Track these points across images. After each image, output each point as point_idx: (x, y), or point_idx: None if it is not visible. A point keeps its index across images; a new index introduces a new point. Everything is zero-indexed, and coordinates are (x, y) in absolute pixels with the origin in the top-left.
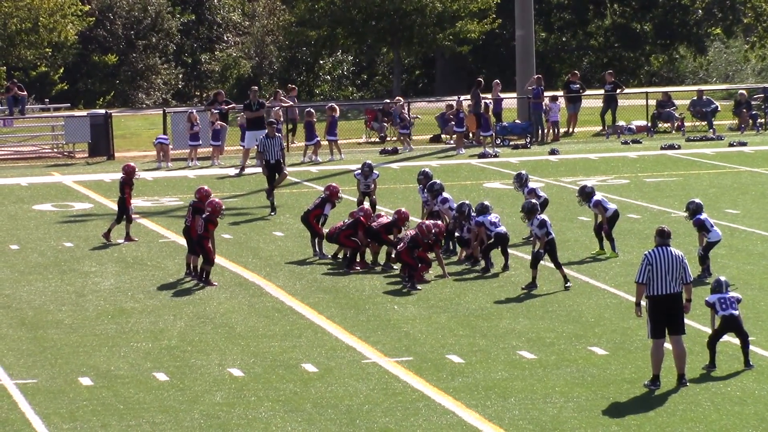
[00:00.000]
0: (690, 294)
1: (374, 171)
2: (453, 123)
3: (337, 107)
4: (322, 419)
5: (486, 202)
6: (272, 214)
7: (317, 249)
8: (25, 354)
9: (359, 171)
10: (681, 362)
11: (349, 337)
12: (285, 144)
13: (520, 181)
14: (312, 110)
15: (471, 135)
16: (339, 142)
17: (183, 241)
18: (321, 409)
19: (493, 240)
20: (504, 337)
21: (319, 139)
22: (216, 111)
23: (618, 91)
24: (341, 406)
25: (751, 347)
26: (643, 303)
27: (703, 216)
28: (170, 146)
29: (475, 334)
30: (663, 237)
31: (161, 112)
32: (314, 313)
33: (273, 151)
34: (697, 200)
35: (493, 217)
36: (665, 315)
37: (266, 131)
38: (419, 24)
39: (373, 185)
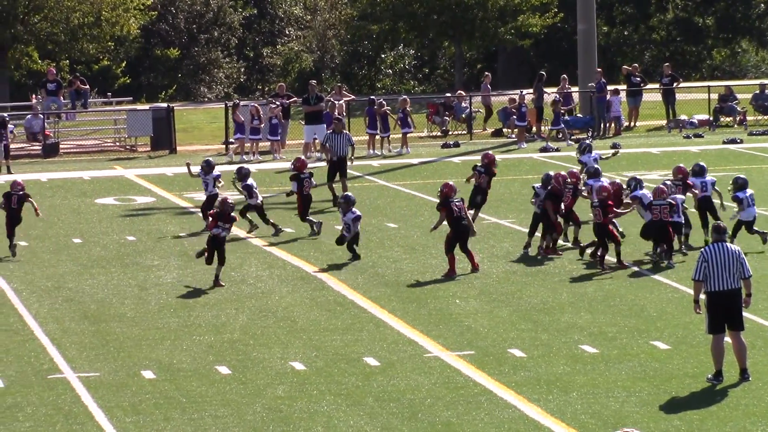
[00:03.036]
0: (750, 289)
1: None
2: (515, 117)
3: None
4: (384, 413)
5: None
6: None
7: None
8: (88, 347)
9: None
10: (742, 357)
11: (410, 330)
12: (353, 140)
13: (581, 148)
14: (384, 101)
15: (533, 129)
16: (400, 135)
17: (245, 235)
18: (383, 403)
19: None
20: (566, 331)
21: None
22: (275, 105)
23: (675, 84)
24: (403, 400)
25: None
26: (703, 298)
27: (745, 193)
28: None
29: (536, 329)
30: (719, 233)
31: (223, 105)
32: (376, 307)
33: (339, 147)
34: (743, 177)
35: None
36: (723, 310)
37: (332, 127)
38: (481, 18)
39: None
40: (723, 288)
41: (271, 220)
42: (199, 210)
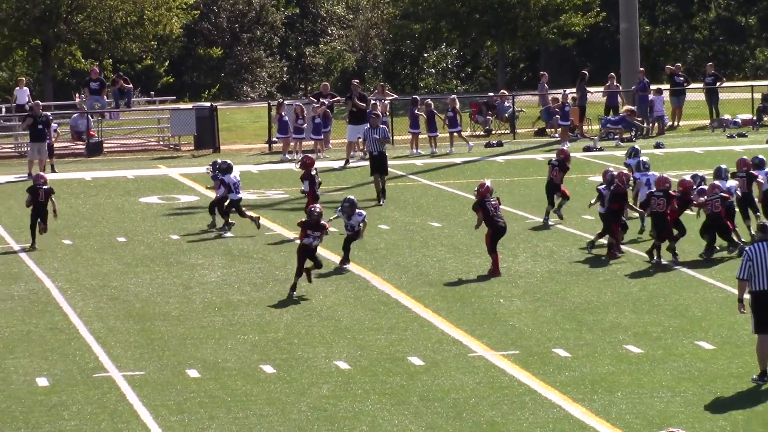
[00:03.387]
0: None
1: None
2: (558, 116)
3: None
4: (428, 412)
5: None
6: (382, 200)
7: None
8: (133, 346)
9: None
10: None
11: (455, 330)
12: (390, 136)
13: (629, 153)
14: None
15: (575, 128)
16: (444, 134)
17: (289, 234)
18: (427, 403)
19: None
20: (610, 331)
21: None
22: (318, 105)
23: (718, 83)
24: (448, 400)
25: None
26: (748, 297)
27: None
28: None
29: (581, 328)
30: (765, 232)
31: (266, 105)
32: (420, 306)
33: (376, 143)
34: None
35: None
36: (763, 310)
37: (369, 123)
38: (523, 17)
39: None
40: (763, 288)
41: (249, 213)
42: (243, 207)
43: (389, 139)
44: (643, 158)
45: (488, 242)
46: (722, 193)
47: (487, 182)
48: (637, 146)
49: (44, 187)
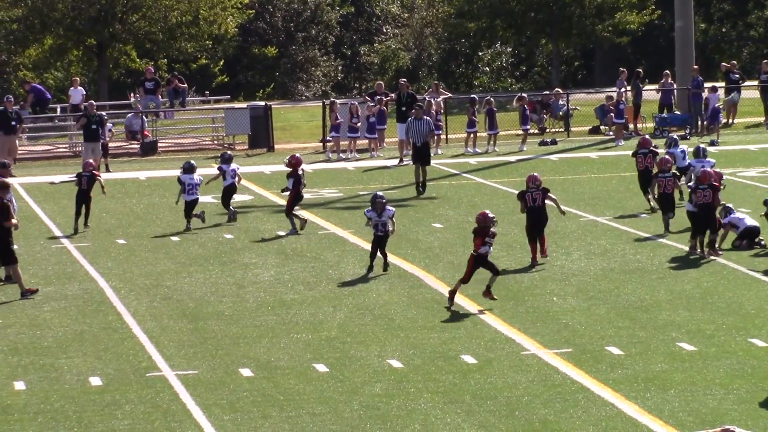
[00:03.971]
0: None
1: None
2: (612, 114)
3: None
4: (481, 411)
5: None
6: (421, 191)
7: None
8: (186, 345)
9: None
10: None
11: (508, 328)
12: (433, 128)
13: (667, 142)
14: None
15: (630, 126)
16: (500, 133)
17: (342, 233)
18: (480, 401)
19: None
20: (663, 328)
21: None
22: (373, 104)
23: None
24: (500, 398)
25: None
26: None
27: None
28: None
29: (634, 326)
30: None
31: (321, 104)
32: (473, 305)
33: (420, 133)
34: None
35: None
36: None
37: (413, 113)
38: (578, 15)
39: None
40: None
41: (231, 207)
42: (297, 206)
43: (434, 131)
44: (702, 145)
45: (527, 233)
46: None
47: (535, 173)
48: (674, 136)
49: (86, 174)
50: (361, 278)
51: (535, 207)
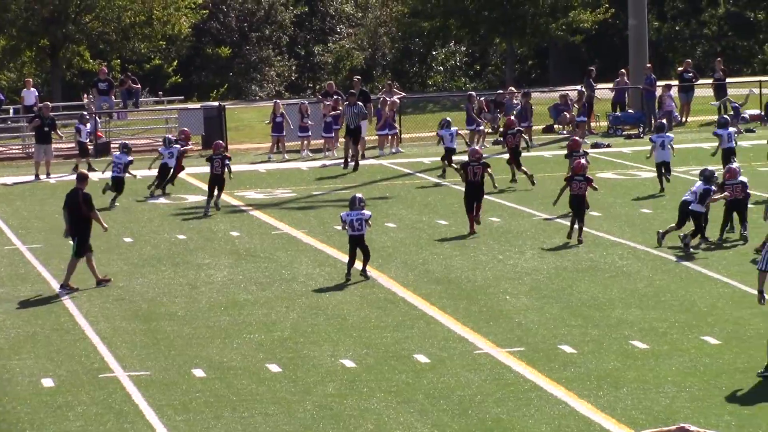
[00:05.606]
0: None
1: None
2: (566, 113)
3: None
4: (434, 410)
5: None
6: (348, 168)
7: None
8: (139, 346)
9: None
10: None
11: (461, 327)
12: (367, 113)
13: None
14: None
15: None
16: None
17: (296, 233)
18: (433, 400)
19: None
20: (616, 327)
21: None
22: (329, 103)
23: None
24: (453, 397)
25: None
26: None
27: None
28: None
29: (587, 324)
30: None
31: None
32: (426, 304)
33: (353, 118)
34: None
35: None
36: None
37: (347, 100)
38: (532, 14)
39: None
40: None
41: (164, 188)
42: (249, 206)
43: (366, 114)
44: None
45: (465, 202)
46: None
47: (477, 147)
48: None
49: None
50: (314, 278)
51: (474, 180)
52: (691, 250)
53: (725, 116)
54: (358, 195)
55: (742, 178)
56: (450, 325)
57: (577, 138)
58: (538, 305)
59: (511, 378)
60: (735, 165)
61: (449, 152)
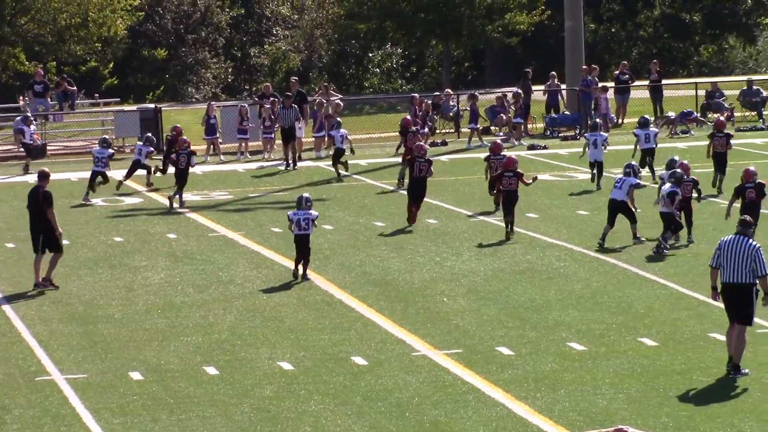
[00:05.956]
0: (766, 288)
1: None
2: (502, 114)
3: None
4: (371, 412)
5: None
6: (288, 168)
7: None
8: (76, 349)
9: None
10: (737, 352)
11: (398, 329)
12: (300, 116)
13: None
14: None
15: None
16: (388, 134)
17: (233, 235)
18: (371, 402)
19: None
20: (553, 328)
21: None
22: (268, 106)
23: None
24: (391, 399)
25: None
26: None
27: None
28: (219, 140)
29: (524, 326)
30: (741, 226)
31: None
32: (363, 306)
33: (288, 119)
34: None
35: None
36: (729, 303)
37: (283, 103)
38: (468, 16)
39: None
40: (726, 280)
41: (125, 181)
42: (186, 208)
43: (300, 117)
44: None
45: (408, 194)
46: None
47: (423, 143)
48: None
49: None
50: (251, 281)
51: (419, 176)
52: (666, 251)
53: (646, 116)
54: (305, 195)
55: (692, 176)
56: (387, 327)
57: (499, 141)
58: (476, 307)
59: (449, 380)
60: (686, 161)
61: (339, 153)
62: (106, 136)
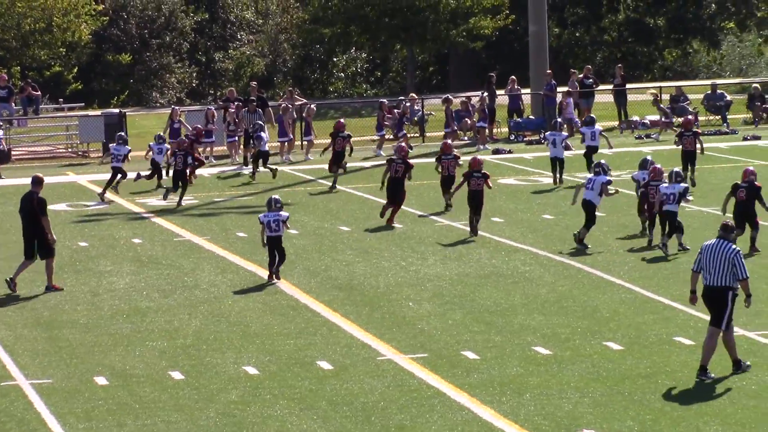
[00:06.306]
0: (747, 290)
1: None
2: (467, 119)
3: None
4: (337, 417)
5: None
6: (251, 176)
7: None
8: (41, 354)
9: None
10: (706, 355)
11: (363, 334)
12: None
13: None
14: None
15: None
16: (353, 139)
17: (198, 240)
18: (336, 407)
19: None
20: (519, 332)
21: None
22: (233, 110)
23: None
24: (356, 404)
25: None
26: None
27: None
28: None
29: (489, 330)
30: (723, 230)
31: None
32: (329, 311)
33: (251, 121)
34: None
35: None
36: (708, 306)
37: (248, 108)
38: (432, 20)
39: None
40: (709, 284)
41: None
42: (151, 213)
43: (263, 121)
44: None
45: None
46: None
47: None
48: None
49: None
50: (216, 285)
51: (396, 177)
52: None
53: (591, 115)
54: (275, 196)
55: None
56: (353, 332)
57: (448, 141)
58: (441, 311)
59: (414, 384)
60: (659, 165)
61: (263, 155)
62: (122, 133)
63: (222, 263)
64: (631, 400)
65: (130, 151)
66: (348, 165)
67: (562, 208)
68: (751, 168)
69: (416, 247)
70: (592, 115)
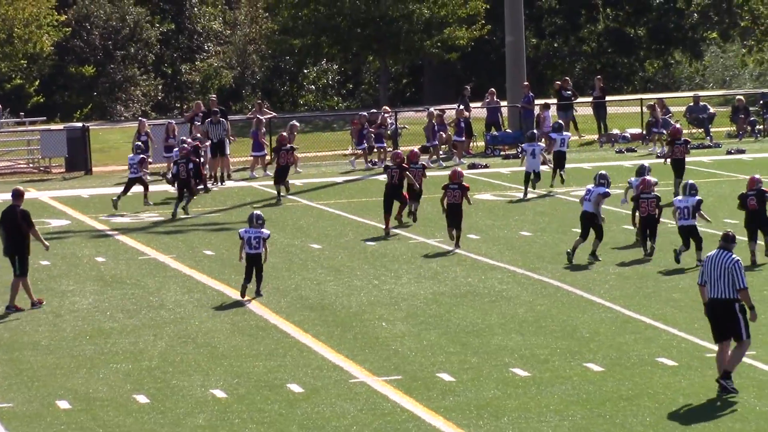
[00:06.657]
0: (749, 301)
1: None
2: (441, 133)
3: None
4: None
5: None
6: (214, 186)
7: None
8: (1, 377)
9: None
10: (720, 364)
11: (335, 355)
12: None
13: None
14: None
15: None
16: (324, 153)
17: (163, 258)
18: (307, 431)
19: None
20: (496, 354)
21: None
22: (200, 124)
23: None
24: (328, 428)
25: (753, 362)
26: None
27: None
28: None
29: (466, 352)
30: (724, 240)
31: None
32: (299, 332)
33: (217, 133)
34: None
35: None
36: (714, 319)
37: (211, 118)
38: (406, 31)
39: None
40: (712, 296)
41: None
42: (115, 231)
43: (228, 131)
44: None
45: (383, 201)
46: (656, 194)
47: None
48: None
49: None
50: (183, 305)
51: (393, 183)
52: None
53: (560, 121)
54: (257, 212)
55: (656, 193)
56: (324, 353)
57: (416, 149)
58: (415, 332)
59: (388, 407)
60: (651, 177)
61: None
62: (139, 143)
63: (188, 282)
64: (612, 424)
65: (143, 158)
66: (315, 181)
67: (541, 225)
68: (757, 176)
69: (389, 265)
70: (560, 120)
